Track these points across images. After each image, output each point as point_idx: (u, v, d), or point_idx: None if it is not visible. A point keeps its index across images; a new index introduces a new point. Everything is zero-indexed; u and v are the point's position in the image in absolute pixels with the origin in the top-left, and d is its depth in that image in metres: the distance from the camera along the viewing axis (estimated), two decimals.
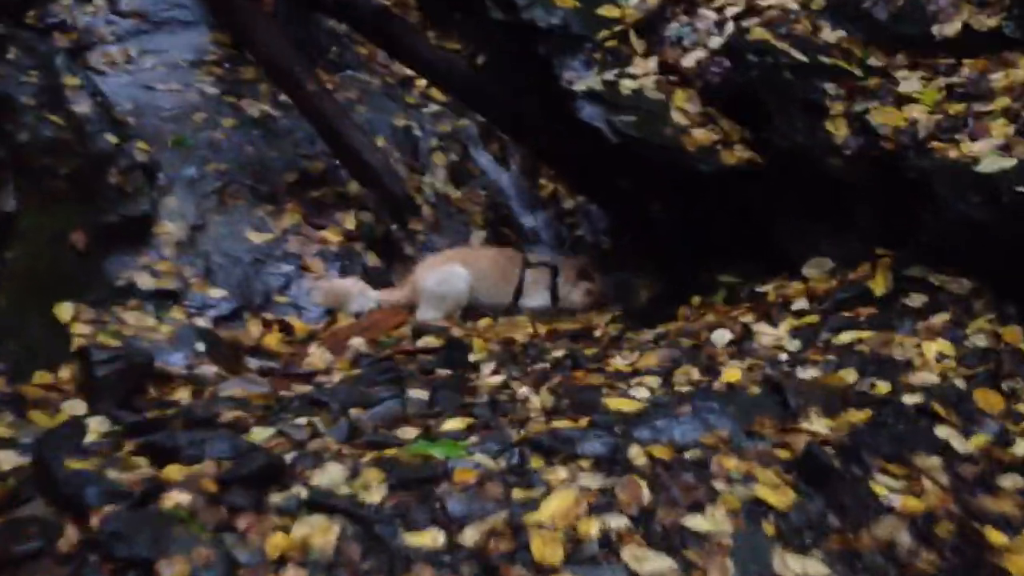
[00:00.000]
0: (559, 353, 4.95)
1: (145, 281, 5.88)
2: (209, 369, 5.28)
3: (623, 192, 6.36)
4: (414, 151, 7.58)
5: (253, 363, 5.54)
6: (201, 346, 5.49)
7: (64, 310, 5.26)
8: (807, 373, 4.03)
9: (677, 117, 5.46)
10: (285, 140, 7.26)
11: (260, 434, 3.70)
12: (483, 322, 5.90)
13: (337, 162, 7.08)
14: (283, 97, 7.30)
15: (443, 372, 4.85)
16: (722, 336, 4.63)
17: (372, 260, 6.66)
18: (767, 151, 5.30)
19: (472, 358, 5.10)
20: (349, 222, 6.79)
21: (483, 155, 7.79)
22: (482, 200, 7.40)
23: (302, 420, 3.99)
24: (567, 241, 7.34)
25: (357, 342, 5.65)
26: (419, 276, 6.16)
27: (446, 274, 6.09)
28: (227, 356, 5.55)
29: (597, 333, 5.44)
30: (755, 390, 3.86)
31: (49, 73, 6.33)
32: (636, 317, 5.69)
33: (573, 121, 5.56)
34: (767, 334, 4.45)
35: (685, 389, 4.02)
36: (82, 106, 6.37)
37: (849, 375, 3.96)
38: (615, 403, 3.83)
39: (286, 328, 5.98)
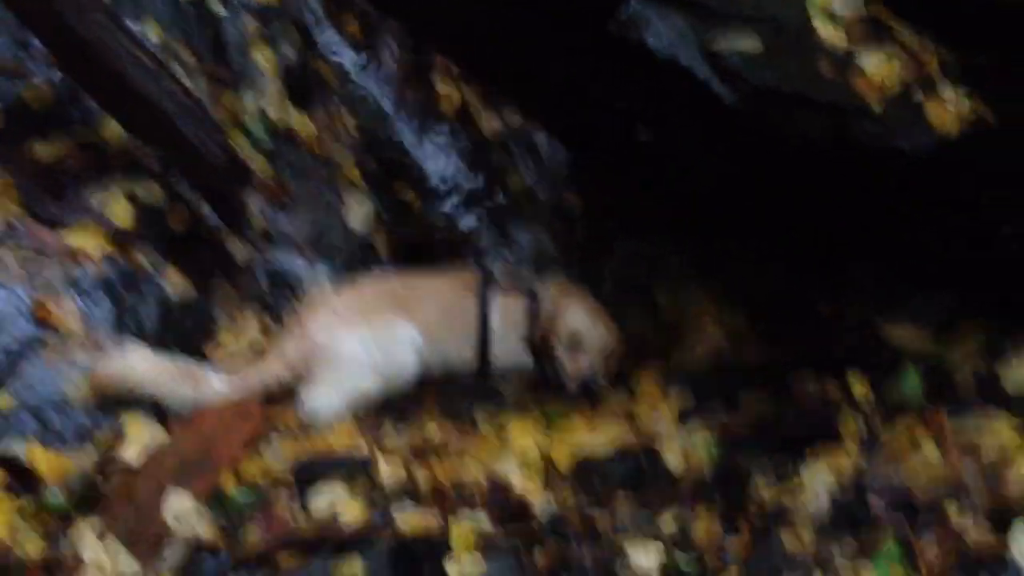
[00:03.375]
0: (644, 562, 2.54)
1: None
2: None
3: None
4: (216, 44, 4.56)
5: None
6: None
7: None
8: None
9: (825, 31, 2.92)
10: None
11: None
12: (431, 429, 3.31)
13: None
14: None
15: None
16: None
17: (175, 283, 3.83)
18: (1002, 103, 2.90)
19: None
20: (118, 209, 3.87)
21: (338, 43, 4.87)
22: (350, 131, 4.57)
23: None
24: (496, 197, 4.68)
25: (180, 508, 2.97)
26: (316, 330, 3.52)
27: (382, 332, 3.53)
28: None
29: (672, 464, 3.00)
30: None
31: None
32: (720, 400, 3.29)
33: (617, 44, 2.94)
34: None
35: None
36: None
37: None
38: None
39: (19, 473, 3.16)
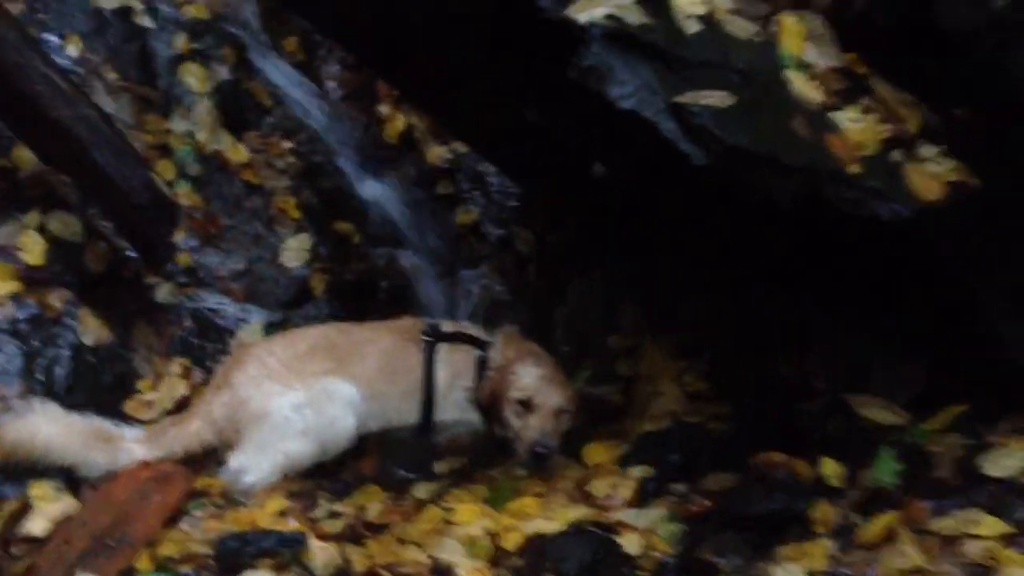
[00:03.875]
0: None
1: None
2: None
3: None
4: (143, 61, 4.26)
5: None
6: None
7: None
8: None
9: (798, 84, 2.72)
10: None
11: None
12: (369, 506, 3.06)
13: None
14: None
15: None
16: None
17: (90, 328, 3.54)
18: (986, 165, 2.73)
19: None
20: (28, 243, 3.57)
21: (275, 62, 4.59)
22: (287, 159, 4.29)
23: None
24: (442, 233, 4.44)
25: None
26: (243, 386, 3.27)
27: (317, 389, 3.27)
28: None
29: (632, 551, 2.79)
30: None
31: None
32: (680, 473, 3.10)
33: (575, 89, 2.72)
34: None
35: None
36: None
37: None
38: None
39: None
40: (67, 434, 3.10)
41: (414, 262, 4.30)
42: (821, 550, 2.66)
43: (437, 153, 4.65)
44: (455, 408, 3.47)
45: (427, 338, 3.49)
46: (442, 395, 3.46)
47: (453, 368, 3.48)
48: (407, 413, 3.44)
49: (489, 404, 3.40)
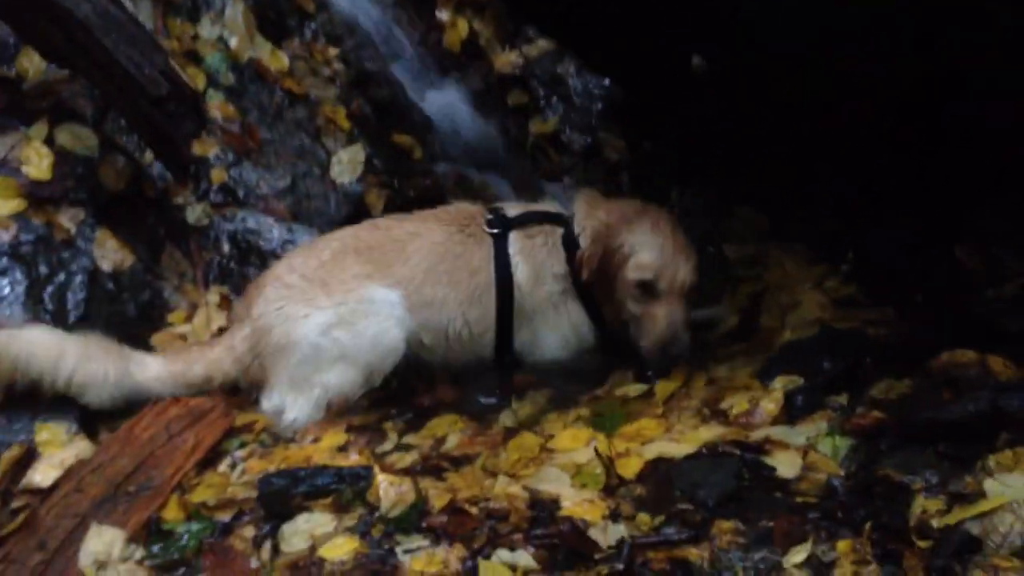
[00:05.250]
0: None
1: None
2: None
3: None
4: None
5: None
6: None
7: None
8: None
9: None
10: None
11: None
12: (453, 434, 2.54)
13: None
14: None
15: None
16: None
17: (109, 251, 3.06)
18: None
19: None
20: (33, 157, 3.10)
21: None
22: (335, 66, 3.79)
23: None
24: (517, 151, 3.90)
25: (103, 547, 2.27)
26: (262, 318, 2.76)
27: (348, 301, 2.73)
28: None
29: (787, 473, 2.20)
30: None
31: None
32: (839, 384, 2.49)
33: None
34: None
35: None
36: None
37: None
38: None
39: None
40: (57, 342, 2.59)
41: (485, 178, 3.76)
42: None
43: (506, 60, 4.13)
44: (548, 305, 2.87)
45: (494, 229, 2.90)
46: (527, 294, 2.86)
47: (535, 258, 2.87)
48: (472, 323, 2.86)
49: (595, 284, 2.80)
